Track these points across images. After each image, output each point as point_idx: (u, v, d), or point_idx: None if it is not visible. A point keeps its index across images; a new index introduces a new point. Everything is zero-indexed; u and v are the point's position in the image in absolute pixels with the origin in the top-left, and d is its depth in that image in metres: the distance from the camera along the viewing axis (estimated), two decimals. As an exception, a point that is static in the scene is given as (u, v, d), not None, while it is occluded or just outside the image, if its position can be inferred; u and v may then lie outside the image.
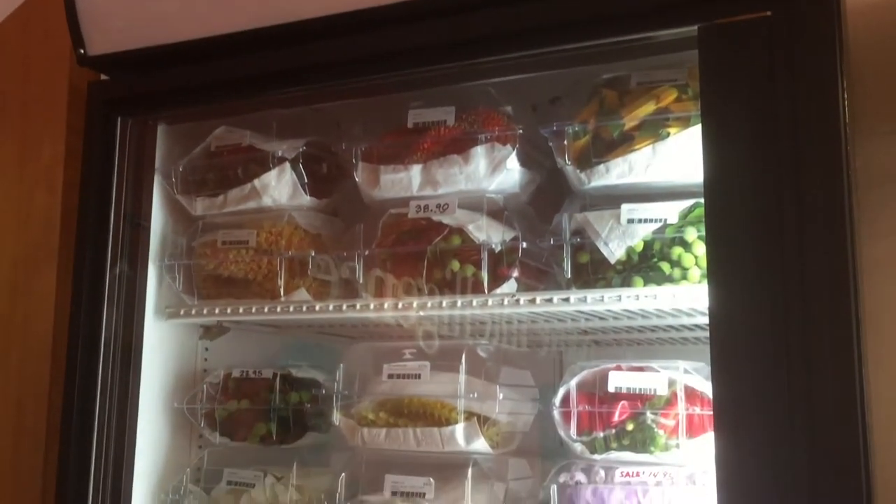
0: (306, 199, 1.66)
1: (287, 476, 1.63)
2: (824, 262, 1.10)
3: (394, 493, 1.50)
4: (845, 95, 1.13)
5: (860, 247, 1.14)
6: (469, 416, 1.48)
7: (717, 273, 1.15)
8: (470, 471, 1.46)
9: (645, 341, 1.79)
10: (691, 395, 1.35)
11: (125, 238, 1.67)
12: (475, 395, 1.48)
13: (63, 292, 1.72)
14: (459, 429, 1.47)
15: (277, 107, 1.65)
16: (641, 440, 1.35)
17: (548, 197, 1.57)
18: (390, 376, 1.55)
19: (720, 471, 1.10)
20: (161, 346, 1.73)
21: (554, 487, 1.39)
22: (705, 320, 1.31)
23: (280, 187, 1.64)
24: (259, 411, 1.67)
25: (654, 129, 1.38)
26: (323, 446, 1.70)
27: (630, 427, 1.36)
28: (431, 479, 1.48)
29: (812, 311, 1.10)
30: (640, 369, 1.39)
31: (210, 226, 1.72)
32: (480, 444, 1.47)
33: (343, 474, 1.54)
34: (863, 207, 1.29)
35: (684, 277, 1.36)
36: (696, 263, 1.36)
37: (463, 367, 1.49)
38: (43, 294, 1.81)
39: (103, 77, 1.71)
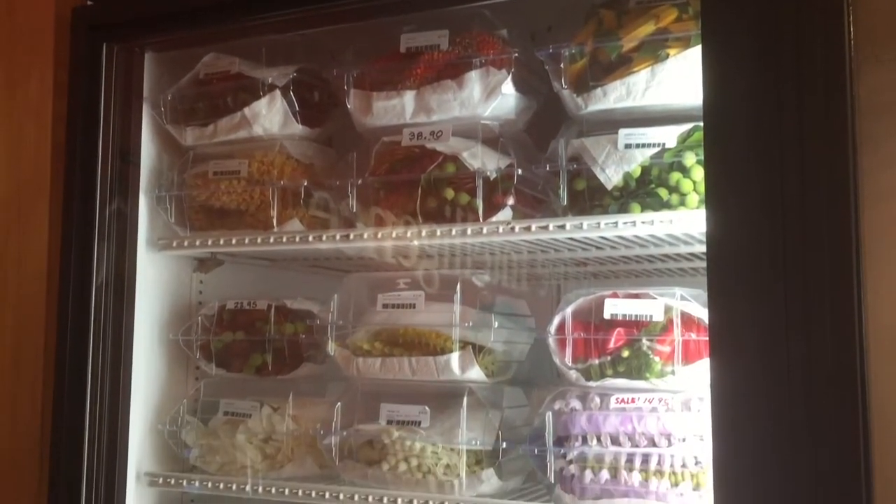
0: (298, 128, 1.63)
1: (283, 406, 1.63)
2: (825, 189, 1.08)
3: (389, 422, 1.51)
4: (851, 20, 1.10)
5: (862, 177, 1.12)
6: (464, 345, 1.48)
7: (716, 197, 1.12)
8: (465, 399, 1.46)
9: (642, 273, 1.78)
10: (688, 321, 1.34)
11: (115, 171, 1.65)
12: (470, 323, 1.47)
13: (57, 227, 1.70)
14: (454, 358, 1.46)
15: (266, 32, 1.61)
16: (637, 367, 1.35)
17: (544, 123, 1.54)
18: (385, 306, 1.54)
19: (715, 396, 1.09)
20: (155, 280, 1.72)
21: (549, 414, 1.38)
22: (703, 249, 1.30)
23: (271, 116, 1.61)
24: (254, 342, 1.67)
25: (653, 50, 1.34)
26: (319, 377, 1.69)
27: (625, 354, 1.36)
28: (427, 408, 1.48)
29: (811, 237, 1.08)
30: (637, 296, 1.37)
31: (201, 156, 1.69)
32: (475, 373, 1.47)
33: (339, 404, 1.54)
34: (865, 137, 1.26)
35: (682, 203, 1.34)
36: (695, 189, 1.33)
37: (458, 296, 1.48)
38: (36, 230, 1.79)
39: (89, 2, 1.66)
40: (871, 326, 1.15)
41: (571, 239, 1.44)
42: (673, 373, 1.33)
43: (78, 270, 1.61)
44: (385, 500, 1.47)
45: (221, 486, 1.60)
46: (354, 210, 1.53)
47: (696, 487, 1.30)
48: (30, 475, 1.67)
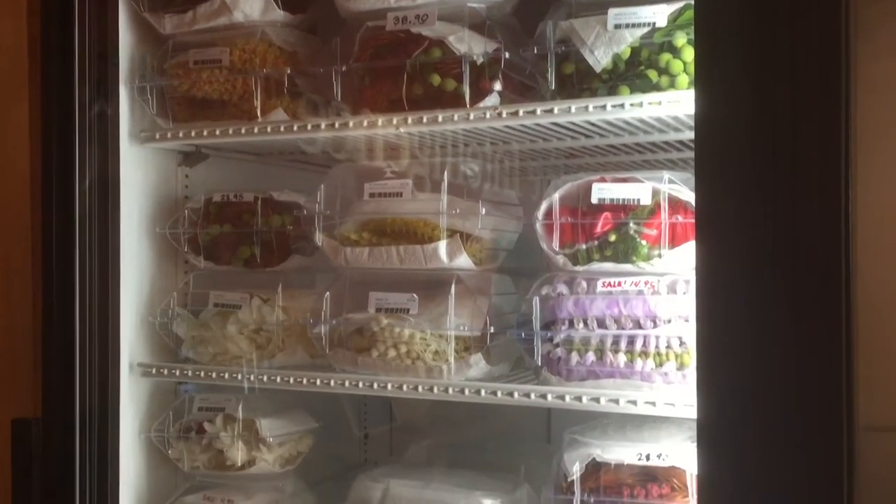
0: (279, 14, 1.59)
1: (273, 298, 1.64)
2: (817, 77, 1.06)
3: (378, 310, 1.52)
4: None
5: (855, 67, 1.09)
6: (452, 233, 1.48)
7: (705, 76, 1.10)
8: (453, 287, 1.47)
9: (632, 165, 1.77)
10: (675, 205, 1.34)
11: (93, 63, 1.61)
12: (457, 211, 1.46)
13: (37, 125, 1.66)
14: (442, 245, 1.46)
15: None
16: (624, 251, 1.35)
17: (533, 6, 1.50)
18: (372, 195, 1.53)
19: (700, 278, 1.10)
20: (139, 174, 1.70)
21: (536, 299, 1.40)
22: (692, 136, 1.28)
23: (251, 1, 1.57)
24: (242, 235, 1.66)
25: (642, -76, 1.30)
26: (308, 269, 1.70)
27: (613, 238, 1.36)
28: (415, 295, 1.49)
29: (802, 121, 1.06)
30: (624, 180, 1.37)
31: (181, 45, 1.65)
32: (463, 261, 1.47)
33: (328, 293, 1.55)
34: (860, 25, 1.23)
35: (672, 85, 1.32)
36: (685, 70, 1.31)
37: (445, 184, 1.47)
38: (17, 128, 1.76)
39: None
40: (859, 216, 1.15)
41: (559, 125, 1.43)
42: (659, 256, 1.34)
43: (61, 168, 1.59)
44: (375, 386, 1.50)
45: (214, 375, 1.62)
46: (339, 98, 1.50)
47: (680, 367, 1.32)
48: (24, 372, 1.69)
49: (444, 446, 2.00)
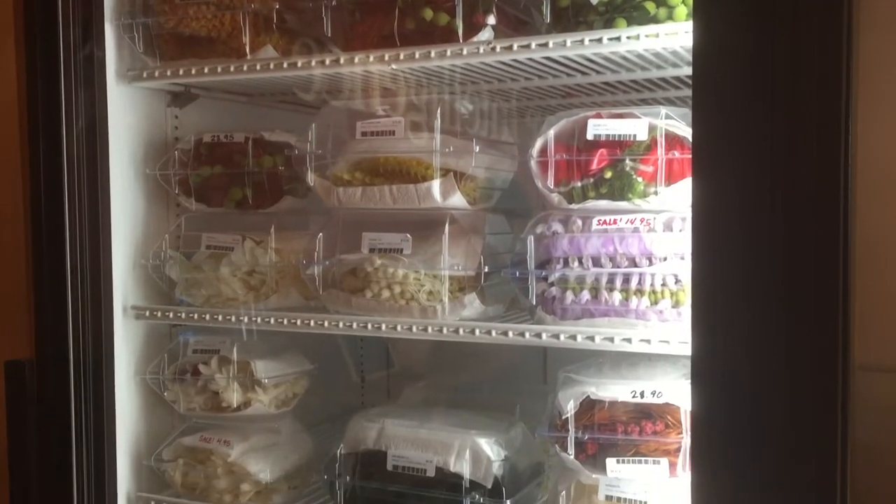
0: (267, -53, 1.55)
1: (266, 240, 1.62)
2: (818, 12, 1.02)
3: (371, 251, 1.51)
4: None
5: (857, 4, 1.06)
6: (445, 171, 1.45)
7: (704, 6, 1.07)
8: (447, 226, 1.45)
9: (628, 103, 1.74)
10: (672, 140, 1.31)
11: (77, 0, 1.57)
12: (451, 149, 1.44)
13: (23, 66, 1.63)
14: (435, 184, 1.44)
15: None
16: (619, 188, 1.33)
17: (527, -62, 1.46)
18: (364, 134, 1.51)
19: (697, 215, 1.08)
20: (128, 114, 1.66)
21: (530, 238, 1.38)
22: (690, 71, 1.25)
23: (238, -67, 1.53)
24: (233, 176, 1.64)
25: None
26: (301, 211, 1.68)
27: (608, 175, 1.34)
28: (408, 235, 1.48)
29: (802, 58, 1.03)
30: (621, 116, 1.34)
31: (167, -20, 1.61)
32: (457, 200, 1.45)
33: (321, 234, 1.54)
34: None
35: (670, 17, 1.29)
36: (683, 2, 1.28)
37: (438, 122, 1.45)
38: (3, 69, 1.73)
39: None
40: (859, 153, 1.12)
41: (555, 61, 1.39)
42: (656, 193, 1.32)
43: (47, 108, 1.56)
44: (369, 326, 1.49)
45: (208, 317, 1.61)
46: (328, 34, 1.47)
47: (676, 305, 1.31)
48: (18, 314, 1.68)
49: (440, 388, 2.01)
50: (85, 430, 1.57)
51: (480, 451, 1.43)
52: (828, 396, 1.01)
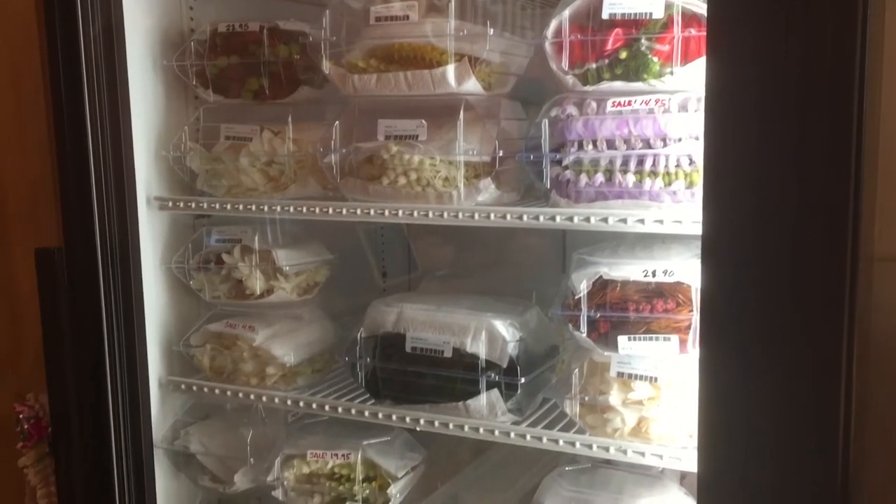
0: None
1: (284, 130, 1.64)
2: None
3: (387, 138, 1.51)
4: None
5: None
6: (459, 56, 1.44)
7: None
8: (462, 112, 1.45)
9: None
10: (689, 18, 1.29)
11: None
12: (465, 32, 1.42)
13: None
14: (450, 69, 1.43)
15: None
16: (634, 68, 1.32)
17: None
18: (378, 19, 1.49)
19: (710, 93, 1.07)
20: (143, 6, 1.66)
21: (545, 122, 1.38)
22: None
23: None
24: (249, 66, 1.64)
25: None
26: (318, 102, 1.68)
27: (623, 55, 1.32)
28: (423, 122, 1.48)
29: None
30: (636, -6, 1.31)
31: None
32: (472, 85, 1.45)
33: (337, 122, 1.54)
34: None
35: None
36: None
37: (452, 5, 1.43)
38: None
39: None
40: (880, 29, 1.09)
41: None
42: (671, 73, 1.30)
43: (63, 2, 1.56)
44: (386, 213, 1.51)
45: (229, 207, 1.64)
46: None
47: (689, 186, 1.32)
48: (46, 205, 1.73)
49: (459, 278, 2.05)
50: (115, 317, 1.63)
51: (496, 333, 1.46)
52: (835, 281, 1.02)
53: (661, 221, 1.31)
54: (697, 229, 1.08)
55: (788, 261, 1.04)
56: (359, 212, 1.53)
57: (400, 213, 1.50)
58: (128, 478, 1.68)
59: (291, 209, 1.59)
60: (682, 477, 1.52)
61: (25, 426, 1.84)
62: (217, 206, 1.66)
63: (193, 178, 1.72)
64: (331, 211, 1.55)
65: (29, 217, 1.85)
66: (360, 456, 1.61)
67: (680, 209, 1.31)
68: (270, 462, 1.66)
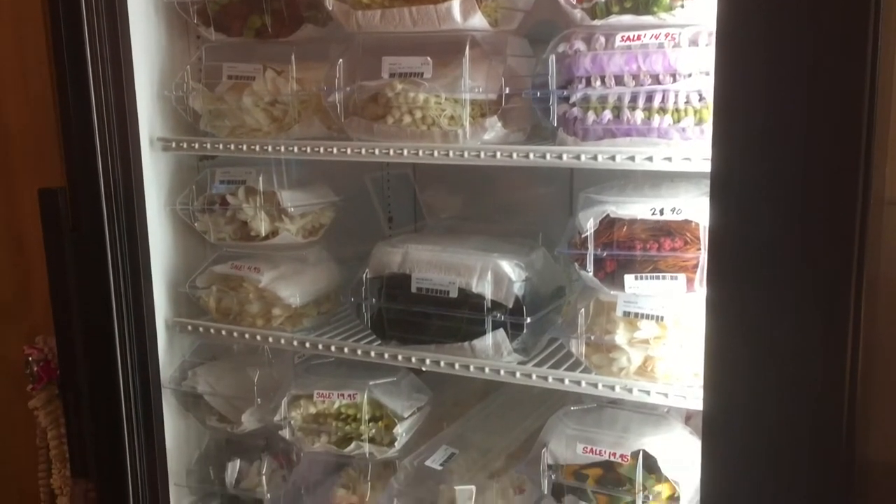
0: None
1: (287, 69, 1.61)
2: None
3: (392, 75, 1.49)
4: None
5: None
6: (466, -9, 1.41)
7: None
8: (468, 49, 1.42)
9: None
10: (701, -50, 1.26)
11: None
12: (470, -35, 1.39)
13: None
14: (455, 4, 1.40)
15: None
16: (644, 1, 1.29)
17: None
18: (381, -47, 1.46)
19: (721, 28, 1.04)
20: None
21: (552, 58, 1.35)
22: None
23: None
24: (251, 2, 1.61)
25: None
26: (321, 40, 1.65)
27: (633, -12, 1.29)
28: (428, 59, 1.46)
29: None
30: (647, -76, 1.28)
31: None
32: (478, 21, 1.42)
33: (340, 61, 1.52)
34: None
35: None
36: None
37: (457, -63, 1.39)
38: None
39: None
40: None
41: None
42: (682, 6, 1.27)
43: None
44: (391, 152, 1.49)
45: (233, 147, 1.63)
46: None
47: (699, 123, 1.29)
48: (49, 146, 1.71)
49: (465, 221, 2.03)
50: (121, 258, 1.62)
51: (502, 273, 1.45)
52: (845, 222, 1.00)
53: (669, 159, 1.29)
54: (706, 167, 1.06)
55: (799, 199, 1.02)
56: (363, 151, 1.52)
57: (405, 152, 1.48)
58: (136, 418, 1.70)
59: (295, 149, 1.57)
60: (687, 417, 1.53)
61: (35, 368, 1.86)
62: (220, 146, 1.64)
63: (196, 119, 1.70)
64: (335, 151, 1.54)
65: (34, 160, 1.84)
66: (366, 396, 1.62)
67: (689, 146, 1.29)
68: (277, 402, 1.67)
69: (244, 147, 1.61)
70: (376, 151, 1.50)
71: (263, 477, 1.74)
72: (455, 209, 2.07)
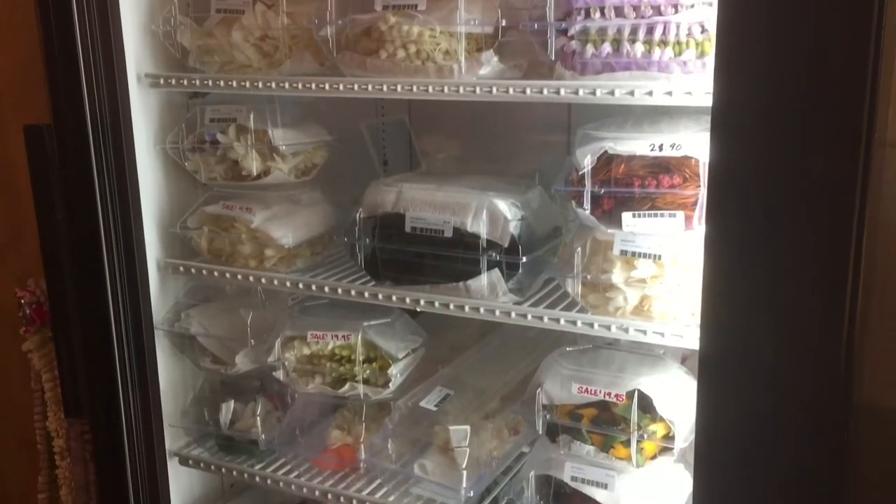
0: None
1: (277, 3, 1.56)
2: None
3: (385, 8, 1.44)
4: None
5: None
6: (461, -82, 1.36)
7: None
8: (464, -20, 1.38)
9: None
10: None
11: None
12: None
13: None
14: (451, -68, 1.35)
15: None
16: (646, -72, 1.24)
17: None
18: None
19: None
20: None
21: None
22: None
23: None
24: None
25: None
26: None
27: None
28: (423, -9, 1.41)
29: None
30: None
31: None
32: (474, -48, 1.37)
33: (332, -8, 1.47)
34: None
35: None
36: None
37: None
38: None
39: None
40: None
41: None
42: (685, -67, 1.23)
43: None
44: (385, 88, 1.45)
45: (222, 83, 1.58)
46: None
47: (700, 56, 1.26)
48: (35, 83, 1.67)
49: (461, 161, 2.00)
50: (110, 197, 1.60)
51: (497, 211, 1.43)
52: (847, 161, 0.97)
53: (670, 93, 1.25)
54: (708, 101, 1.03)
55: (801, 134, 1.00)
56: (356, 87, 1.48)
57: (399, 87, 1.44)
58: (129, 360, 1.69)
59: (287, 86, 1.53)
60: (683, 359, 1.52)
61: (27, 311, 1.84)
62: (210, 83, 1.60)
63: (185, 55, 1.65)
64: (327, 87, 1.50)
65: (22, 98, 1.80)
66: (360, 337, 1.60)
67: (691, 80, 1.26)
68: (271, 343, 1.66)
69: (234, 83, 1.57)
70: (369, 87, 1.46)
71: (258, 418, 1.73)
72: (450, 148, 2.04)
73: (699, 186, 1.26)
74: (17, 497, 2.17)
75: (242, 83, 1.57)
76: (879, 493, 1.36)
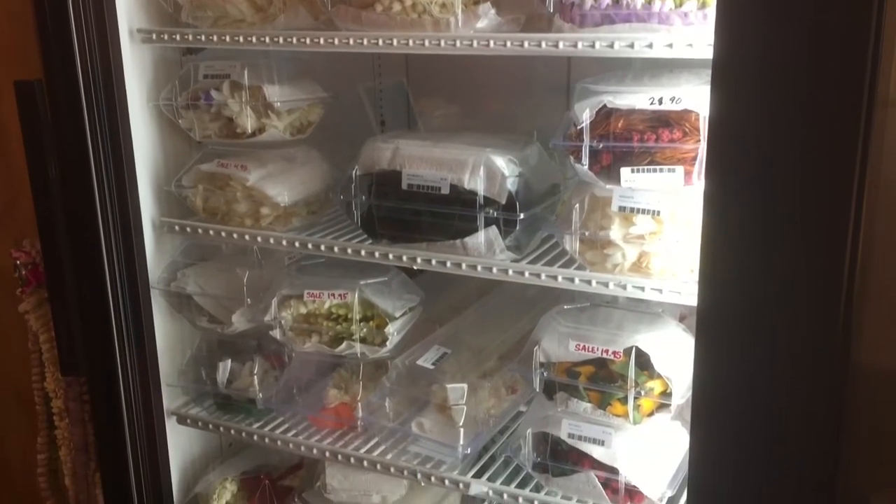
0: None
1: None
2: None
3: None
4: None
5: None
6: None
7: None
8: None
9: None
10: None
11: None
12: None
13: None
14: None
15: None
16: None
17: None
18: None
19: None
20: None
21: (549, -61, 1.28)
22: None
23: None
24: None
25: None
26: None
27: None
28: (419, -60, 1.38)
29: None
30: None
31: None
32: None
33: (327, -55, 1.44)
34: None
35: None
36: None
37: None
38: None
39: None
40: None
41: None
42: None
43: None
44: (380, 42, 1.43)
45: (215, 38, 1.56)
46: None
47: (702, 7, 1.23)
48: (25, 38, 1.64)
49: (460, 118, 1.98)
50: (103, 154, 1.58)
51: (494, 168, 1.41)
52: (848, 117, 0.95)
53: (670, 46, 1.23)
54: (710, 53, 1.01)
55: (803, 88, 0.98)
56: (351, 42, 1.45)
57: (395, 42, 1.41)
58: (125, 319, 1.68)
59: (281, 40, 1.51)
60: (682, 317, 1.51)
61: (23, 272, 1.83)
62: (203, 38, 1.57)
63: (178, 10, 1.62)
64: (322, 41, 1.47)
65: (12, 53, 1.77)
66: (356, 296, 1.59)
67: (692, 32, 1.23)
68: (267, 303, 1.65)
69: (227, 38, 1.55)
70: (365, 42, 1.44)
71: (255, 377, 1.73)
72: (451, 116, 2.02)
73: (699, 141, 1.24)
74: (17, 458, 2.18)
75: (236, 38, 1.54)
76: (871, 450, 1.36)
